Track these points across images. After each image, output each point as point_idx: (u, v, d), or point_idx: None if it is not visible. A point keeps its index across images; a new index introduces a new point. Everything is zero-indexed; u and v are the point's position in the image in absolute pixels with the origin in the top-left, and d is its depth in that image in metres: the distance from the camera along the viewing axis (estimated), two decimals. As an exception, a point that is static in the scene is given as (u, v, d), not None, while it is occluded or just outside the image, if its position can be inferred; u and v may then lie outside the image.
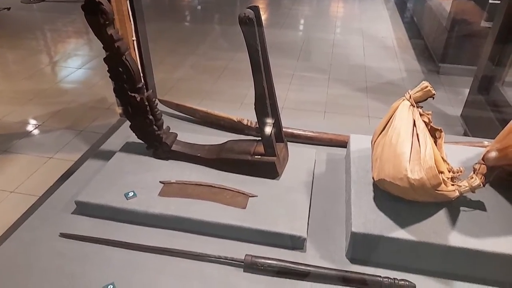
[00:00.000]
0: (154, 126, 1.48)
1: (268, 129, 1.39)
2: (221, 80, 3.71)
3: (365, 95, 3.30)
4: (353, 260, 1.20)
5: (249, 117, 1.82)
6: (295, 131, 1.71)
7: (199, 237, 1.28)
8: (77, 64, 4.35)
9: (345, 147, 1.66)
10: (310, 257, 1.21)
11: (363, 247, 1.17)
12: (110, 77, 1.38)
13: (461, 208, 1.21)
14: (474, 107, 2.54)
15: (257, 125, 1.73)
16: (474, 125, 2.50)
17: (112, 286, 1.11)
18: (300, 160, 1.54)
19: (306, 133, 1.71)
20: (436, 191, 1.04)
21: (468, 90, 2.69)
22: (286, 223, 1.25)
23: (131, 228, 1.31)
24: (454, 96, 3.58)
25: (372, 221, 1.17)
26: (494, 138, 1.29)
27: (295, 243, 1.23)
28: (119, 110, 1.59)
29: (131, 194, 1.36)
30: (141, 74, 1.52)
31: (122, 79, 1.37)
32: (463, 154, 1.46)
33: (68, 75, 4.07)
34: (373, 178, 1.22)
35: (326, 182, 1.53)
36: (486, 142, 1.64)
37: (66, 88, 3.89)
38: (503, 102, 2.39)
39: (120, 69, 1.33)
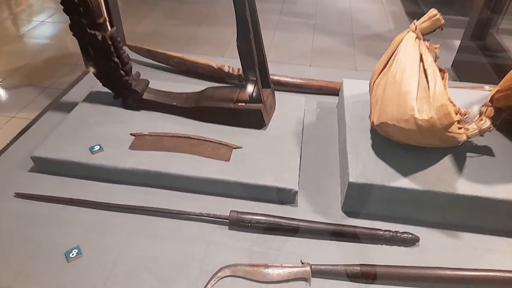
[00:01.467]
0: (121, 71, 1.28)
1: (252, 72, 1.22)
2: (202, 28, 3.44)
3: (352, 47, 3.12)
4: (349, 214, 1.09)
5: (231, 64, 1.63)
6: (281, 78, 1.54)
7: (177, 194, 1.14)
8: (42, 17, 3.96)
9: (337, 95, 1.51)
10: (302, 212, 1.09)
11: (360, 199, 1.05)
12: (63, 10, 1.16)
13: (468, 154, 1.10)
14: (466, 55, 2.42)
15: (240, 72, 1.56)
16: (466, 73, 2.39)
17: (76, 250, 0.97)
18: (288, 109, 1.39)
19: (294, 80, 1.55)
20: (447, 133, 0.92)
21: (459, 41, 2.56)
22: (275, 176, 1.12)
23: (98, 186, 1.15)
24: (444, 47, 3.45)
25: (371, 170, 1.05)
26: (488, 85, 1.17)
27: (286, 197, 1.11)
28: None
29: (97, 148, 1.18)
30: (103, 9, 1.29)
31: (78, 12, 1.15)
32: (466, 98, 1.34)
33: (31, 29, 3.70)
34: (372, 124, 1.09)
35: (317, 132, 1.40)
36: (487, 86, 1.53)
37: (29, 42, 3.54)
38: (498, 47, 2.27)
39: (76, -1, 1.11)
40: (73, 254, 0.95)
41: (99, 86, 1.40)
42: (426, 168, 1.04)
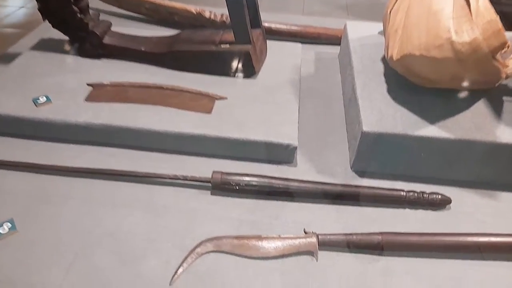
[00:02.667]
0: (74, 7, 1.03)
1: (239, 5, 0.99)
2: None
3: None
4: (361, 174, 0.88)
5: (213, 9, 1.39)
6: (273, 25, 1.31)
7: (146, 155, 0.91)
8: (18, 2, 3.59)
9: (337, 44, 1.29)
10: (303, 173, 0.87)
11: (375, 154, 0.84)
12: None
13: (505, 98, 0.90)
14: None
15: (224, 19, 1.32)
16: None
17: (10, 224, 0.74)
18: (283, 56, 1.16)
19: (288, 27, 1.32)
20: (493, 61, 0.71)
21: None
22: (269, 129, 0.90)
23: (45, 147, 0.91)
24: None
25: (390, 117, 0.84)
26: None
27: (282, 155, 0.89)
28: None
29: (42, 99, 0.94)
30: None
31: None
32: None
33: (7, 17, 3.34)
34: (389, 60, 0.87)
35: (316, 84, 1.18)
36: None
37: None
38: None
39: None
40: (4, 230, 0.72)
41: (54, 34, 1.15)
42: (458, 114, 0.84)
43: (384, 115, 0.83)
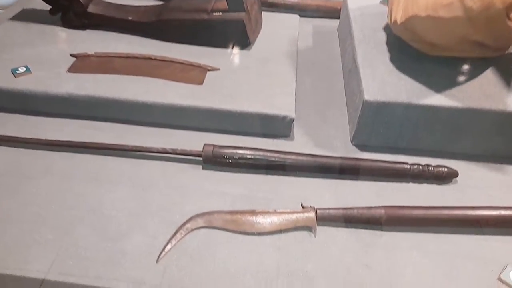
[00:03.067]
0: (56, -28, 0.96)
1: (231, -30, 0.92)
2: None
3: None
4: (362, 147, 0.83)
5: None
6: (269, -3, 1.25)
7: (133, 128, 0.85)
8: None
9: (336, 17, 1.23)
10: (300, 147, 0.82)
11: (378, 125, 0.79)
12: None
13: (514, 66, 0.85)
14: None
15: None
16: None
17: (-17, 199, 0.69)
18: (279, 28, 1.09)
19: (285, -1, 1.26)
20: (507, 20, 0.65)
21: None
22: (263, 101, 0.84)
23: (23, 119, 0.85)
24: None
25: (393, 85, 0.78)
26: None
27: (278, 128, 0.84)
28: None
29: (22, 69, 0.87)
30: None
31: None
32: None
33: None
34: (393, 25, 0.81)
35: (314, 58, 1.11)
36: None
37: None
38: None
39: None
40: (-23, 205, 0.67)
41: (36, 4, 1.08)
42: (466, 83, 0.79)
43: (386, 83, 0.78)
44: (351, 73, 0.91)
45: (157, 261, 0.62)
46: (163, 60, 0.93)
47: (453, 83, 0.78)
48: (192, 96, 0.84)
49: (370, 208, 0.67)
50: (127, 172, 0.76)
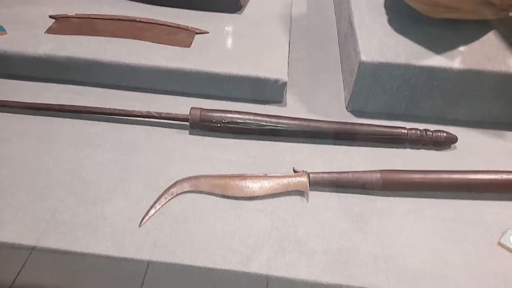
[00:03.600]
0: None
1: None
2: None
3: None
4: (357, 113, 0.79)
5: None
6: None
7: (116, 93, 0.80)
8: None
9: (332, -15, 1.18)
10: (294, 113, 0.77)
11: (374, 89, 0.75)
12: None
13: (516, 29, 0.82)
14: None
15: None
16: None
17: (-48, 162, 0.64)
18: (271, -8, 1.05)
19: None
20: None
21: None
22: (256, 64, 0.79)
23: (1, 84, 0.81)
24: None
25: (391, 46, 0.74)
26: None
27: (270, 92, 0.79)
28: None
29: (-4, 29, 0.83)
30: None
31: None
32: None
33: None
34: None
35: (309, 21, 1.06)
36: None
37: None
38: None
39: None
40: None
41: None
42: (467, 45, 0.75)
43: (384, 45, 0.74)
44: (347, 37, 0.86)
45: (139, 226, 0.58)
46: (148, 23, 0.88)
47: (454, 45, 0.74)
48: (178, 58, 0.79)
49: (366, 172, 0.64)
50: (109, 136, 0.72)
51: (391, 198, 0.64)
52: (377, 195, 0.64)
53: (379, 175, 0.63)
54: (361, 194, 0.64)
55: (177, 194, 0.62)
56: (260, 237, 0.58)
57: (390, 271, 0.55)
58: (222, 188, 0.63)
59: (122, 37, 0.84)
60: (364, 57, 0.71)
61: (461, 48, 0.74)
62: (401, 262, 0.56)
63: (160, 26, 0.88)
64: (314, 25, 1.06)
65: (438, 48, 0.73)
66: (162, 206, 0.60)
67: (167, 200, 0.61)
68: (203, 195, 0.62)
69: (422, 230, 0.60)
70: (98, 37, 0.83)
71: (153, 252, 0.55)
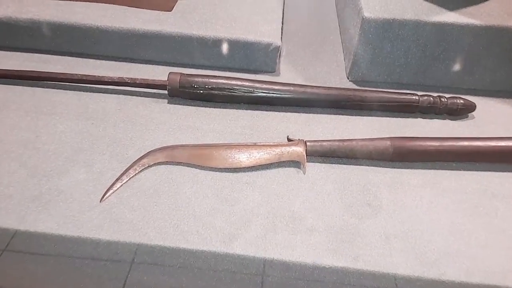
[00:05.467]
0: None
1: None
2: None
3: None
4: (360, 83, 0.70)
5: None
6: None
7: (87, 62, 0.70)
8: None
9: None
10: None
11: (378, 53, 0.65)
12: None
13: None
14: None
15: None
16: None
17: None
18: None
19: None
20: None
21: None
22: (245, 27, 0.70)
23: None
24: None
25: (398, 1, 0.65)
26: None
27: (262, 59, 0.69)
28: None
29: (-49, -10, 0.73)
30: None
31: None
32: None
33: None
34: None
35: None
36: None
37: None
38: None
39: None
40: None
41: None
42: (483, 2, 0.67)
43: (390, 0, 0.65)
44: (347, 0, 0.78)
45: (101, 201, 0.48)
46: (125, -13, 0.80)
47: (470, 0, 0.66)
48: (157, 21, 0.70)
49: (373, 139, 0.54)
50: (74, 105, 0.62)
51: (403, 170, 0.54)
52: (386, 167, 0.54)
53: (388, 142, 0.53)
54: (368, 165, 0.54)
55: (149, 166, 0.52)
56: (247, 212, 0.48)
57: (406, 252, 0.45)
58: (203, 159, 0.53)
59: (94, 1, 0.75)
60: (367, 13, 0.62)
61: (478, 5, 0.65)
62: (419, 241, 0.46)
63: (139, -10, 0.79)
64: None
65: (452, 3, 0.64)
66: (130, 178, 0.50)
67: (137, 172, 0.51)
68: (180, 166, 0.53)
69: (442, 205, 0.50)
70: (67, 0, 0.74)
71: (115, 230, 0.45)
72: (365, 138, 0.54)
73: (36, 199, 0.47)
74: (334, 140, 0.54)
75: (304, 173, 0.53)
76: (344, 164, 0.54)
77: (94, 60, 0.71)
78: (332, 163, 0.54)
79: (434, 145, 0.53)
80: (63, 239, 0.44)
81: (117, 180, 0.50)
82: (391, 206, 0.50)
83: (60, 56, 0.71)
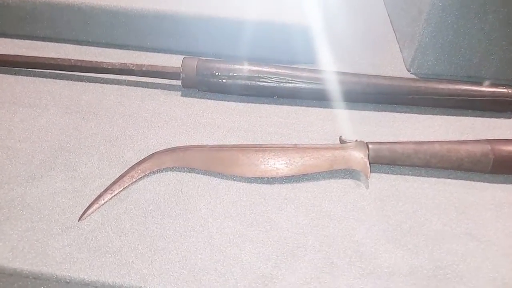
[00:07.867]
0: None
1: None
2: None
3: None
4: (424, 76, 0.55)
5: None
6: None
7: (84, 49, 0.58)
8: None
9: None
10: (331, 77, 0.56)
11: (449, 40, 0.51)
12: None
13: None
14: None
15: None
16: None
17: None
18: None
19: None
20: None
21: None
22: (274, 7, 0.57)
23: None
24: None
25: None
26: None
27: (296, 46, 0.56)
28: None
29: None
30: None
31: None
32: None
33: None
34: None
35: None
36: None
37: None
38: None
39: None
40: None
41: None
42: None
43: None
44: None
45: (79, 219, 0.34)
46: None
47: None
48: (169, 1, 0.58)
49: (465, 142, 0.39)
50: (64, 96, 0.49)
51: (508, 186, 0.39)
52: (483, 181, 0.39)
53: (488, 146, 0.38)
54: (454, 178, 0.39)
55: (152, 172, 0.38)
56: (288, 242, 0.33)
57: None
58: (225, 165, 0.39)
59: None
60: (438, -13, 0.48)
61: None
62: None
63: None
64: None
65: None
66: (123, 189, 0.36)
67: (134, 180, 0.37)
68: (194, 174, 0.38)
69: None
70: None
71: (94, 264, 0.30)
72: (453, 141, 0.39)
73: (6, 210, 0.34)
74: (408, 143, 0.39)
75: (367, 188, 0.38)
76: (420, 176, 0.39)
77: (94, 47, 0.59)
78: (404, 174, 0.39)
79: (553, 151, 0.38)
80: (19, 276, 0.30)
81: (105, 190, 0.36)
82: (501, 238, 0.34)
83: (56, 43, 0.60)
